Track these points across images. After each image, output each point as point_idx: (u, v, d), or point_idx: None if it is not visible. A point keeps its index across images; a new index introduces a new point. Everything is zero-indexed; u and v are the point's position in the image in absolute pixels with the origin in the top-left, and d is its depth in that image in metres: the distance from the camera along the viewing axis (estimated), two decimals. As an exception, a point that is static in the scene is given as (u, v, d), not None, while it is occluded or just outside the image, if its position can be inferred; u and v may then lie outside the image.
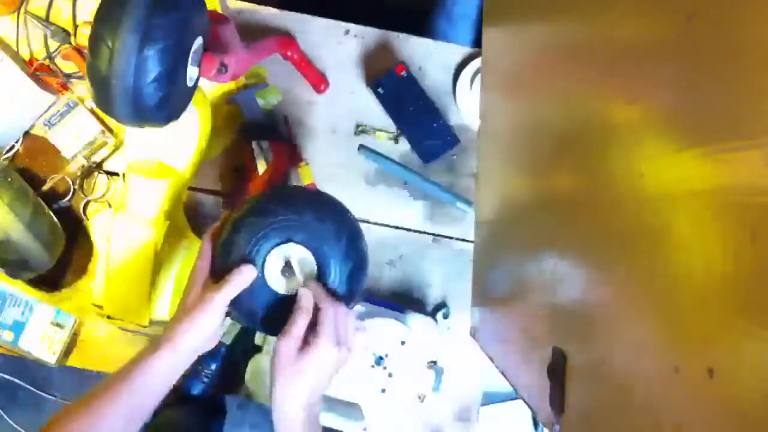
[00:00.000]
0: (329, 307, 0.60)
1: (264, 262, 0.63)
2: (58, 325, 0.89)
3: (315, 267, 0.63)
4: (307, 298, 0.61)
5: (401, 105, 0.94)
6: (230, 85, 0.93)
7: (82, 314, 0.91)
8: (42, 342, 0.89)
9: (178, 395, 0.90)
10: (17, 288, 0.90)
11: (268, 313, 0.64)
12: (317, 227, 0.63)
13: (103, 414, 0.57)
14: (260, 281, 0.63)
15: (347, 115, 0.95)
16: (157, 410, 0.63)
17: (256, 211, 0.65)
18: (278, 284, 0.64)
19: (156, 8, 0.60)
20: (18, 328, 0.88)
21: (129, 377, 0.58)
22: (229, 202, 0.92)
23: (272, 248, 0.63)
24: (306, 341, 0.58)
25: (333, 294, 0.63)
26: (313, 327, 0.59)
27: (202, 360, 0.86)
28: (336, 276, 0.63)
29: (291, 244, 0.63)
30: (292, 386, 0.58)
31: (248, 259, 0.62)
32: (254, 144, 0.89)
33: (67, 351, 0.90)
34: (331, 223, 0.64)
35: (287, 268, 0.64)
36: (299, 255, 0.63)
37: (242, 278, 0.61)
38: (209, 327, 0.60)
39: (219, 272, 0.63)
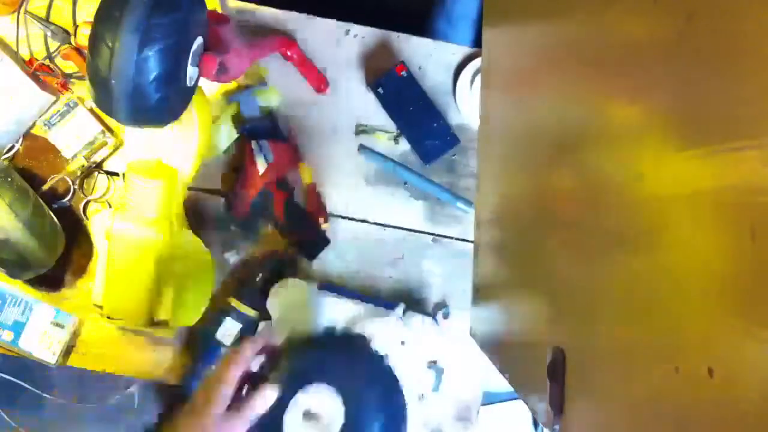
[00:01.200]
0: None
1: (285, 410, 0.58)
2: (58, 325, 0.89)
3: (342, 417, 0.59)
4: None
5: (401, 105, 0.94)
6: (231, 85, 0.93)
7: (82, 314, 0.91)
8: (42, 342, 0.89)
9: (179, 397, 0.90)
10: (17, 288, 0.90)
11: None
12: (347, 372, 0.60)
13: None
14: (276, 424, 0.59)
15: (347, 115, 0.95)
16: (162, 413, 0.62)
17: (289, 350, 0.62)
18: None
19: (156, 8, 0.60)
20: (18, 328, 0.88)
21: None
22: (229, 202, 0.92)
23: (293, 395, 0.59)
24: None
25: None
26: None
27: (202, 360, 0.86)
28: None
29: (317, 389, 0.59)
30: None
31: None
32: (254, 144, 0.89)
33: (67, 351, 0.90)
34: (362, 369, 0.62)
35: (313, 417, 0.60)
36: (326, 403, 0.59)
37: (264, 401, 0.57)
38: None
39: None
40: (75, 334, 0.91)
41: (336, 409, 0.59)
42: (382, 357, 0.65)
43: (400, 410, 0.63)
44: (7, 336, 0.88)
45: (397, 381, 0.64)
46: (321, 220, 0.92)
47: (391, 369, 0.64)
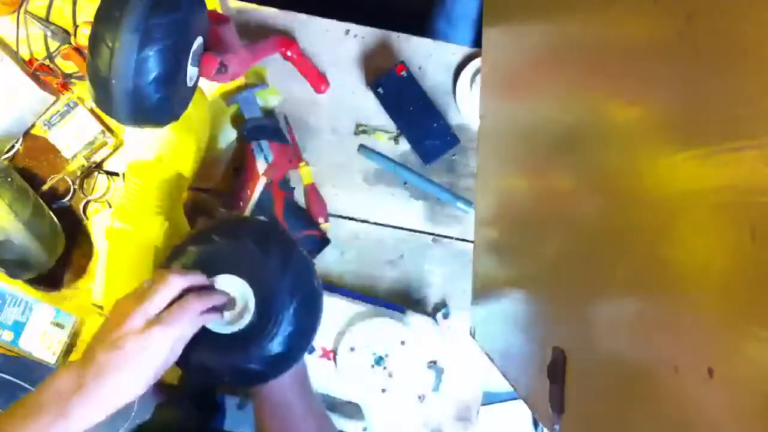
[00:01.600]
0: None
1: None
2: (58, 325, 0.89)
3: (253, 303, 0.59)
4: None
5: (401, 105, 0.94)
6: (231, 85, 0.93)
7: (82, 314, 0.91)
8: (42, 342, 0.89)
9: (173, 393, 0.90)
10: (17, 288, 0.90)
11: (201, 357, 0.58)
12: (258, 257, 0.59)
13: None
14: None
15: (347, 115, 0.95)
16: (153, 410, 0.62)
17: (194, 239, 0.61)
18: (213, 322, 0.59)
19: (156, 8, 0.60)
20: (18, 328, 0.88)
21: None
22: (228, 202, 0.92)
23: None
24: None
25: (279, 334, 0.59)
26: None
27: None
28: (279, 315, 0.59)
29: (226, 277, 0.59)
30: None
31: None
32: (254, 144, 0.89)
33: (67, 351, 0.90)
34: (275, 255, 0.60)
35: (230, 302, 0.59)
36: (238, 289, 0.59)
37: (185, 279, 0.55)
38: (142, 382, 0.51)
39: None
40: (75, 334, 0.91)
41: (248, 297, 0.59)
42: (293, 242, 0.64)
43: (313, 298, 0.63)
44: (7, 336, 0.88)
45: (309, 268, 0.63)
46: (321, 219, 0.92)
47: (304, 256, 0.63)
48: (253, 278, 0.59)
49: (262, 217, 0.85)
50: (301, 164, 0.93)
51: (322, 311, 0.65)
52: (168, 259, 0.63)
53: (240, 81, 0.92)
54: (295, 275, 0.61)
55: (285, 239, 0.64)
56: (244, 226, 0.66)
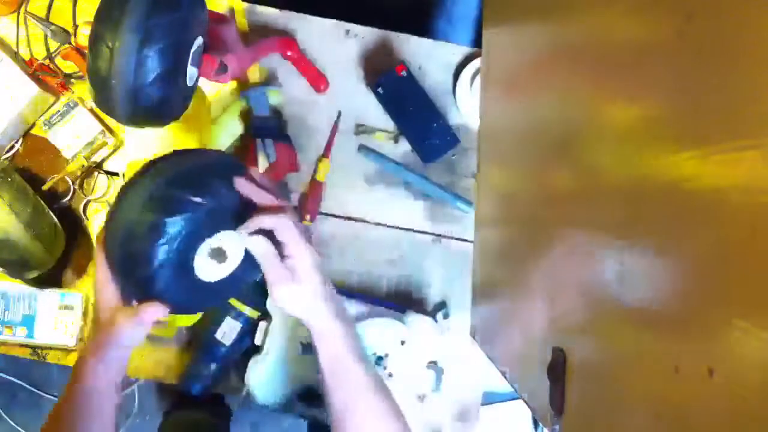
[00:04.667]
0: (284, 221, 0.57)
1: (192, 261, 0.55)
2: (67, 307, 0.89)
3: (242, 251, 0.58)
4: (262, 246, 0.56)
5: (401, 105, 0.94)
6: (243, 82, 0.93)
7: (83, 314, 0.91)
8: (56, 328, 0.88)
9: (182, 396, 0.90)
10: (16, 284, 0.90)
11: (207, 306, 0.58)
12: (233, 200, 0.55)
13: None
14: (191, 281, 0.56)
15: (347, 115, 0.95)
16: (167, 411, 0.62)
17: (155, 205, 0.52)
18: (210, 272, 0.57)
19: (156, 8, 0.60)
20: (29, 321, 0.88)
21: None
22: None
23: (195, 247, 0.54)
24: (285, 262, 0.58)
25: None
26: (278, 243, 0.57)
27: (202, 360, 0.86)
28: None
29: (216, 236, 0.55)
30: (311, 297, 0.59)
31: (158, 271, 0.53)
32: (258, 142, 0.89)
33: (83, 331, 0.90)
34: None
35: (217, 253, 0.57)
36: (225, 238, 0.57)
37: (147, 317, 0.56)
38: (120, 359, 0.58)
39: (127, 292, 0.57)
40: (85, 312, 0.90)
41: (238, 245, 0.58)
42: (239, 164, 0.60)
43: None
44: (21, 332, 0.88)
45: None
46: (308, 216, 0.91)
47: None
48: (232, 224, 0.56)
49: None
50: (323, 159, 0.93)
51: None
52: (124, 239, 0.55)
53: (253, 78, 0.92)
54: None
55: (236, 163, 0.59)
56: (204, 168, 0.58)
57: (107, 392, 0.58)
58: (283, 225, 0.57)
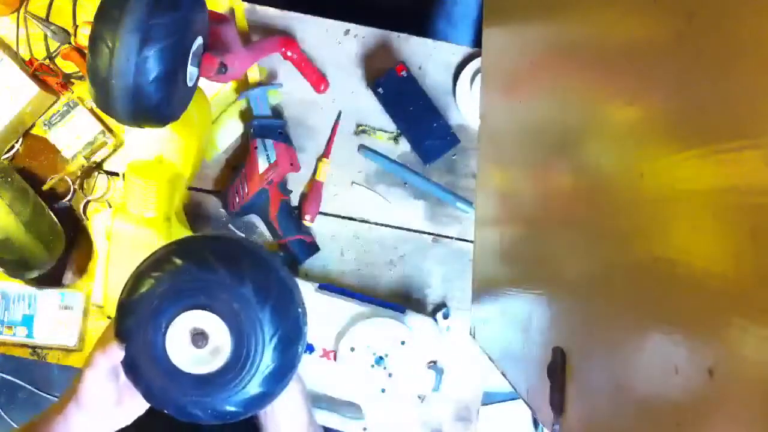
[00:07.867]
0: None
1: (165, 331, 0.52)
2: (67, 307, 0.89)
3: (230, 342, 0.52)
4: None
5: (401, 105, 0.94)
6: (244, 82, 0.93)
7: (83, 314, 0.91)
8: (56, 329, 0.89)
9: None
10: (16, 284, 0.90)
11: (166, 396, 0.54)
12: (234, 288, 0.52)
13: None
14: (159, 352, 0.52)
15: (347, 115, 0.95)
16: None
17: (156, 264, 0.54)
18: (184, 358, 0.53)
19: (156, 8, 0.60)
20: (29, 322, 0.88)
21: None
22: (223, 200, 0.92)
23: (174, 315, 0.52)
24: None
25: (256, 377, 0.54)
26: None
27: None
28: (258, 352, 0.53)
29: (198, 312, 0.52)
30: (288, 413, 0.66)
31: (147, 324, 0.53)
32: (259, 141, 0.89)
33: (84, 330, 0.90)
34: (251, 282, 0.53)
35: (201, 338, 0.52)
36: (212, 325, 0.52)
37: (106, 356, 0.54)
38: (95, 406, 0.55)
39: (121, 333, 0.55)
40: (86, 312, 0.90)
41: (222, 334, 0.52)
42: (271, 262, 0.57)
43: (295, 328, 0.56)
44: (21, 332, 0.88)
45: (291, 292, 0.57)
46: (308, 217, 0.91)
47: (283, 277, 0.56)
48: (225, 311, 0.52)
49: (233, 231, 0.80)
50: (324, 159, 0.93)
51: (306, 337, 0.58)
52: (127, 289, 0.56)
53: (255, 78, 0.92)
54: (274, 304, 0.54)
55: (260, 260, 0.57)
56: (212, 246, 0.57)
57: None
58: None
